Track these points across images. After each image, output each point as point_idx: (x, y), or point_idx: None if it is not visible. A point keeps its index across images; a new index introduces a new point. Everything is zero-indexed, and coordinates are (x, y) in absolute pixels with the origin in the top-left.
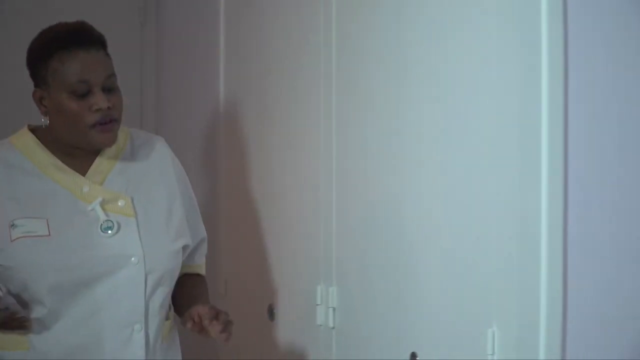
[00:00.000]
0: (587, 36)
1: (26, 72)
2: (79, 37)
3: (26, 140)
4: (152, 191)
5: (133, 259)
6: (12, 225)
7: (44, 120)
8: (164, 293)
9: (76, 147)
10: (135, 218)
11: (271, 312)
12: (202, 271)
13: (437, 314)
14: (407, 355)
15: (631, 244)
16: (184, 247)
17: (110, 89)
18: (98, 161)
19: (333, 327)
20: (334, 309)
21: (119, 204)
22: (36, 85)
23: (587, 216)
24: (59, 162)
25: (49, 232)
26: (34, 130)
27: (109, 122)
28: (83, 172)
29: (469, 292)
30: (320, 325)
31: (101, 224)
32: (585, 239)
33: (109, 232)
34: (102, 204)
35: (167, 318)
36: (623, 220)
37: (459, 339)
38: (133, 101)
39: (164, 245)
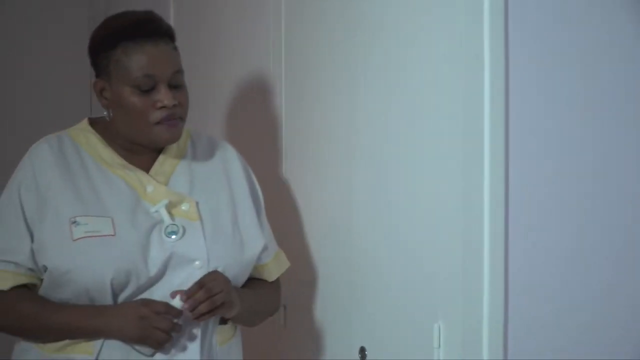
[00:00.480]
0: (528, 38)
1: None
2: (146, 28)
3: (87, 134)
4: (217, 195)
5: (197, 262)
6: (74, 222)
7: (106, 114)
8: None
9: (137, 143)
10: (200, 222)
11: None
12: (270, 276)
13: (385, 310)
14: (357, 350)
15: (571, 244)
16: (251, 257)
17: (176, 86)
18: (161, 159)
19: (284, 326)
20: (284, 307)
21: (183, 207)
22: (97, 75)
23: (527, 217)
24: (123, 160)
25: (114, 231)
26: (93, 123)
27: (174, 120)
28: (145, 169)
29: (416, 288)
30: (272, 322)
31: (166, 227)
32: (526, 239)
33: (174, 236)
34: (168, 207)
35: (225, 322)
36: (563, 220)
37: (406, 333)
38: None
39: (230, 252)
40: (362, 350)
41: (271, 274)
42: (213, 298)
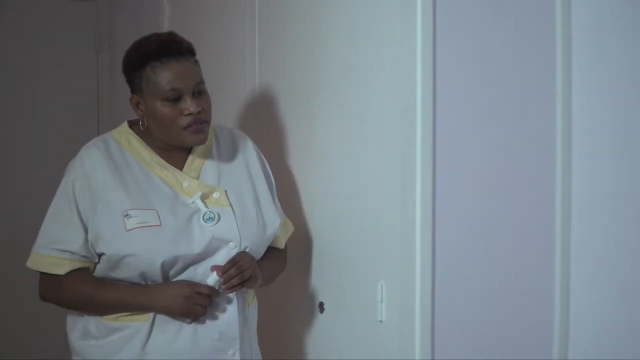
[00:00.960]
0: (455, 47)
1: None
2: (169, 48)
3: (128, 136)
4: (240, 184)
5: (231, 243)
6: (126, 215)
7: (141, 123)
8: None
9: (170, 144)
10: (231, 208)
11: None
12: (281, 244)
13: (340, 271)
14: (317, 304)
15: (487, 211)
16: (271, 235)
17: (199, 93)
18: (191, 158)
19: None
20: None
21: (214, 196)
22: (132, 92)
23: (452, 197)
24: (160, 159)
25: (160, 221)
26: (131, 124)
27: (200, 124)
28: (179, 167)
29: (364, 255)
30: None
31: (203, 215)
32: (451, 215)
33: (211, 222)
34: (202, 198)
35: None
36: (483, 198)
37: (357, 289)
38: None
39: (256, 232)
40: (321, 305)
41: (281, 242)
42: (242, 273)
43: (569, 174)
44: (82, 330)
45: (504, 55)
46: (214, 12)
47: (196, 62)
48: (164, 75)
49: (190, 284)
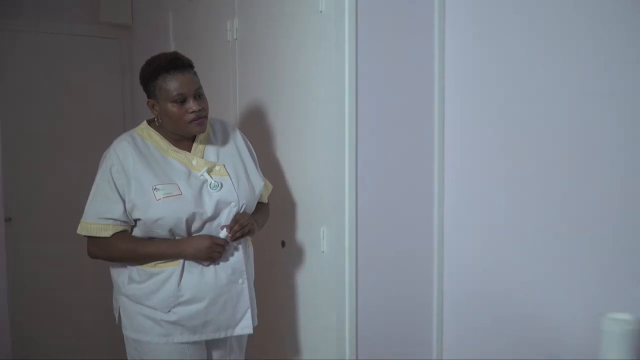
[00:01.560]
0: (374, 51)
1: None
2: (175, 63)
3: (148, 131)
4: (233, 159)
5: (232, 203)
6: (155, 189)
7: (156, 120)
8: None
9: (180, 135)
10: (229, 177)
11: None
12: (264, 200)
13: (296, 220)
14: (280, 242)
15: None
16: (258, 194)
17: (199, 96)
18: (195, 144)
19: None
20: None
21: (216, 168)
22: (148, 97)
23: (371, 163)
24: (173, 146)
25: (181, 191)
26: (149, 122)
27: (201, 118)
28: (187, 151)
29: (312, 209)
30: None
31: (210, 184)
32: (369, 176)
33: (216, 189)
34: (207, 171)
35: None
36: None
37: (307, 233)
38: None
39: (248, 193)
40: (283, 242)
41: (265, 198)
42: (243, 228)
43: (443, 168)
44: (128, 277)
45: (404, 70)
46: (207, 44)
47: (195, 73)
48: (173, 84)
49: (210, 237)
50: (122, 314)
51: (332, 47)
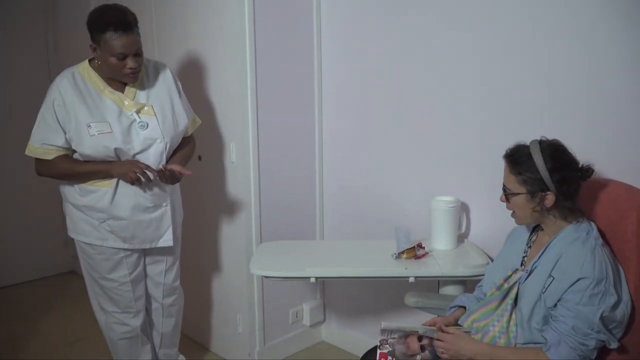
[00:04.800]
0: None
1: None
2: (124, 24)
3: (88, 71)
4: (161, 98)
5: (157, 140)
6: (89, 126)
7: (96, 62)
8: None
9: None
10: (156, 117)
11: None
12: (188, 133)
13: (209, 137)
14: (197, 156)
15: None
16: (182, 130)
17: (136, 55)
18: (128, 87)
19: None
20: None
21: (145, 109)
22: (92, 41)
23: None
24: (109, 87)
25: (111, 129)
26: (90, 61)
27: (135, 73)
28: (121, 91)
29: (224, 128)
30: None
31: (138, 123)
32: (269, 114)
33: (142, 128)
34: (136, 112)
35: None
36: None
37: (218, 146)
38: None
39: (173, 130)
40: (200, 157)
41: (189, 132)
42: (173, 177)
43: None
44: (72, 190)
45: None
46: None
47: (138, 33)
48: (117, 43)
49: (134, 161)
50: (67, 219)
51: None
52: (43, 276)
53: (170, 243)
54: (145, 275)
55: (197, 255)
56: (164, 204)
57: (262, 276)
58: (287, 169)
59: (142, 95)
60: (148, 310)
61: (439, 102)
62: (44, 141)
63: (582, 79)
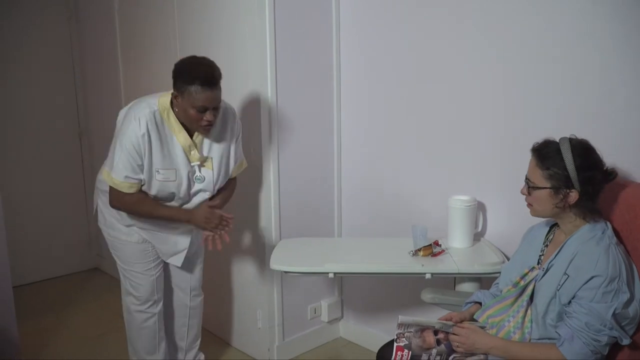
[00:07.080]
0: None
1: None
2: (210, 82)
3: (168, 112)
4: (222, 147)
5: (207, 193)
6: (157, 172)
7: (175, 109)
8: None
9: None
10: (212, 171)
11: None
12: (232, 176)
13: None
14: None
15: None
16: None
17: (215, 109)
18: (195, 135)
19: None
20: None
21: (206, 163)
22: (174, 88)
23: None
24: (184, 131)
25: (175, 178)
26: (171, 102)
27: (209, 126)
28: (190, 136)
29: (245, 128)
30: None
31: (196, 176)
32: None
33: (200, 182)
34: (199, 164)
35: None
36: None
37: (243, 148)
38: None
39: (223, 181)
40: None
41: (233, 174)
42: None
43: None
44: (107, 199)
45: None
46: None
47: (220, 88)
48: (200, 97)
49: (211, 210)
50: (98, 211)
51: None
52: (69, 272)
53: (178, 264)
54: (169, 276)
55: (219, 253)
56: (190, 228)
57: (283, 271)
58: (306, 169)
59: (206, 144)
60: (169, 311)
61: (456, 102)
62: (127, 174)
63: (596, 79)
